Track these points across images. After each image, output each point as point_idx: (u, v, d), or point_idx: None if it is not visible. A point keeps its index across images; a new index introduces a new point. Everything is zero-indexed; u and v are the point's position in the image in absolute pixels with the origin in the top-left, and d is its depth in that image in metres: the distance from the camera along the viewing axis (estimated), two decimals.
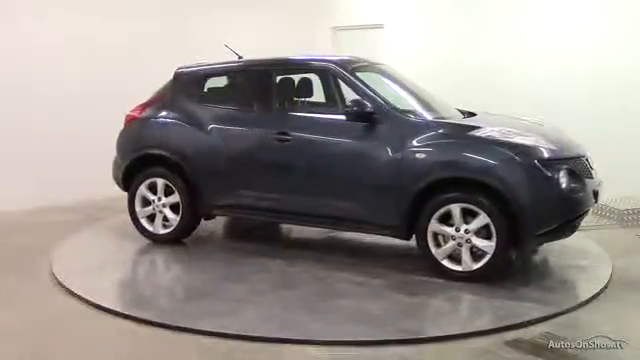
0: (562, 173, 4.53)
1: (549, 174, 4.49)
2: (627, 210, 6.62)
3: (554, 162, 4.58)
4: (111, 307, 4.31)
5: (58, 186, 6.89)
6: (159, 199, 5.63)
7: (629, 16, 7.23)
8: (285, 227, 6.33)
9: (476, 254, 4.65)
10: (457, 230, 4.62)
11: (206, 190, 5.48)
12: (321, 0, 10.18)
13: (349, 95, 5.34)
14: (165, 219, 5.65)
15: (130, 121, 5.83)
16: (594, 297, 4.48)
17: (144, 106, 5.83)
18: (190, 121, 5.54)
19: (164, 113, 5.70)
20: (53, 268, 5.07)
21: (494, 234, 4.51)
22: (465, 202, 4.58)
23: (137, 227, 5.76)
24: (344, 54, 7.22)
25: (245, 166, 5.37)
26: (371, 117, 4.88)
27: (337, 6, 10.24)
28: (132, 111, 5.86)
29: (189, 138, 5.53)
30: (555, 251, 5.47)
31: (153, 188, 5.66)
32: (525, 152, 4.55)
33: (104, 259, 5.42)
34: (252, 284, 4.70)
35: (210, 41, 6.12)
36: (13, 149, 7.02)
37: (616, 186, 6.73)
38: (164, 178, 5.59)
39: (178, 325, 3.99)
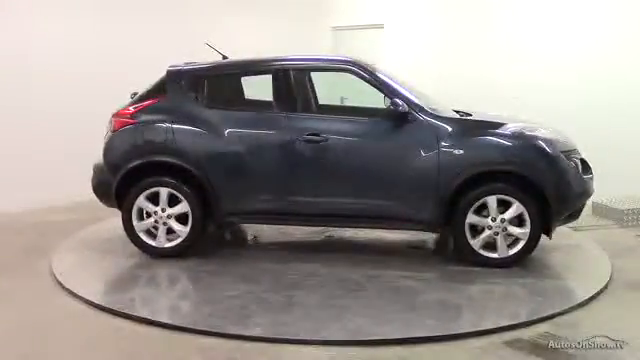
0: (579, 162, 5.04)
1: (571, 163, 4.97)
2: (627, 210, 6.62)
3: (570, 152, 5.04)
4: (111, 307, 4.29)
5: (58, 186, 6.89)
6: (163, 210, 5.23)
7: (626, 25, 7.25)
8: (275, 230, 6.16)
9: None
10: (493, 220, 4.90)
11: (224, 197, 5.18)
12: (321, 0, 10.19)
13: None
14: (169, 231, 5.27)
15: (123, 126, 5.30)
16: (594, 297, 4.48)
17: (135, 109, 5.34)
18: (200, 124, 5.19)
19: (165, 116, 5.25)
20: (53, 268, 5.06)
21: (528, 221, 4.88)
22: (502, 193, 4.90)
23: (135, 243, 5.32)
24: (341, 54, 7.22)
25: (271, 170, 5.15)
26: (406, 116, 4.96)
27: (337, 6, 10.24)
28: (120, 115, 5.35)
29: (202, 143, 5.17)
30: (555, 251, 5.48)
31: (152, 199, 5.24)
32: (552, 145, 4.96)
33: (104, 259, 5.40)
34: (321, 291, 4.56)
35: (211, 41, 6.05)
36: (13, 149, 7.02)
37: (616, 186, 6.75)
38: (170, 187, 5.20)
39: (175, 325, 3.99)
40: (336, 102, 7.41)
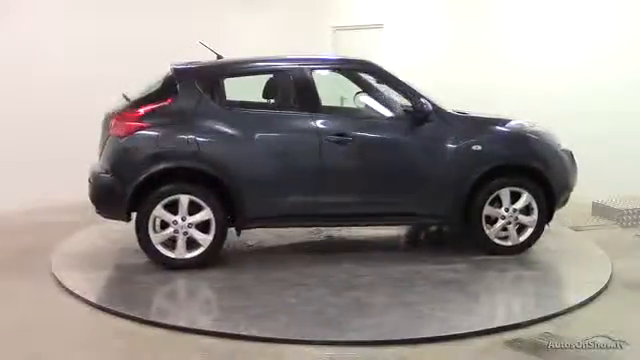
0: (569, 154, 5.42)
1: (566, 155, 5.38)
2: (627, 210, 6.61)
3: (561, 145, 5.41)
4: (111, 307, 4.28)
5: (58, 186, 6.88)
6: (183, 219, 4.87)
7: (626, 30, 7.26)
8: (271, 234, 5.92)
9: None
10: (507, 210, 5.17)
11: (250, 203, 4.93)
12: (321, 0, 10.19)
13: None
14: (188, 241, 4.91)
15: (132, 129, 4.84)
16: (594, 297, 4.48)
17: (144, 111, 4.89)
18: (221, 126, 4.93)
19: (181, 119, 4.92)
20: (53, 268, 5.05)
21: (535, 210, 5.20)
22: (514, 185, 5.19)
23: (151, 255, 4.92)
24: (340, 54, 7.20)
25: (299, 171, 5.04)
26: (427, 116, 5.10)
27: (337, 6, 10.25)
28: (127, 118, 4.89)
29: (226, 146, 4.92)
30: (555, 251, 5.49)
31: (169, 208, 4.86)
32: (553, 139, 5.41)
33: (104, 259, 5.39)
34: (379, 290, 4.55)
35: (210, 41, 6.03)
36: (13, 149, 7.02)
37: (616, 186, 6.75)
38: (190, 194, 4.84)
39: (175, 325, 3.99)
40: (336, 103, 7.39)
